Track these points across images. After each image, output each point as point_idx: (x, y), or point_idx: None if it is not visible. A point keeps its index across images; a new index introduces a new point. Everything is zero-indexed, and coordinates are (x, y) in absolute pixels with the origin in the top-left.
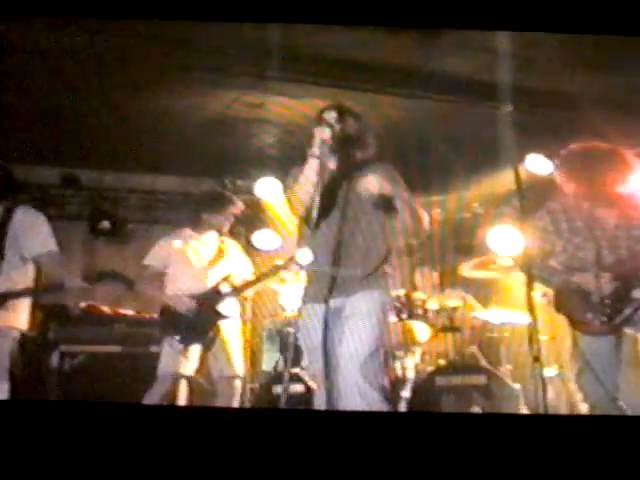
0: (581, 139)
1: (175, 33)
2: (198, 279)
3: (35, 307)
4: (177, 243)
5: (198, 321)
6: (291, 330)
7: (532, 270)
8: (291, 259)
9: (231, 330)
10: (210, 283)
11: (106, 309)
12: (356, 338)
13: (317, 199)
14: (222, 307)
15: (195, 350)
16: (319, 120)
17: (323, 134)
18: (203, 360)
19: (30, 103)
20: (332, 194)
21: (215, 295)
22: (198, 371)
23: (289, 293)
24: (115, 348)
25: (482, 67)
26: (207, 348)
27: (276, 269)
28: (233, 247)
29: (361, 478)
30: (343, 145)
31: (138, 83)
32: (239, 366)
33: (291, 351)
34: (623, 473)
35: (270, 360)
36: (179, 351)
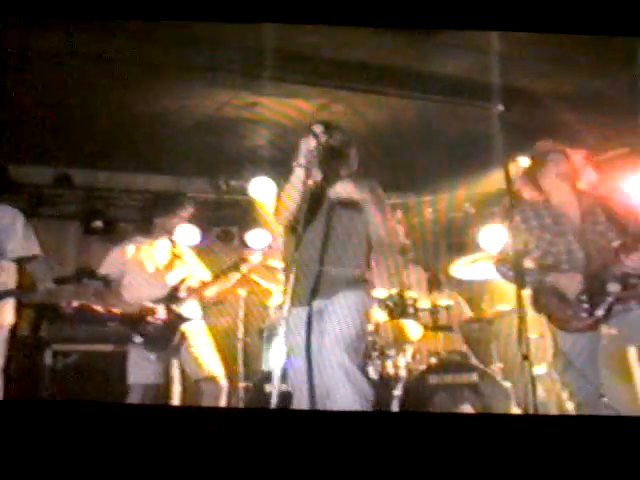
0: (568, 139)
1: (168, 34)
2: (155, 285)
3: (20, 305)
4: (130, 250)
5: (163, 326)
6: (281, 330)
7: (519, 269)
8: (244, 258)
9: (197, 332)
10: (166, 288)
11: (98, 308)
12: (338, 328)
13: (303, 208)
14: (183, 310)
15: (163, 356)
16: (306, 132)
17: (308, 144)
18: (172, 366)
19: (24, 103)
20: (317, 204)
21: (174, 299)
22: (169, 376)
23: (279, 293)
24: (108, 347)
25: (473, 67)
26: (175, 353)
27: (232, 268)
28: (186, 252)
29: (352, 478)
30: (328, 157)
31: (131, 83)
32: (214, 366)
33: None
34: (613, 472)
35: (268, 360)
36: (147, 359)
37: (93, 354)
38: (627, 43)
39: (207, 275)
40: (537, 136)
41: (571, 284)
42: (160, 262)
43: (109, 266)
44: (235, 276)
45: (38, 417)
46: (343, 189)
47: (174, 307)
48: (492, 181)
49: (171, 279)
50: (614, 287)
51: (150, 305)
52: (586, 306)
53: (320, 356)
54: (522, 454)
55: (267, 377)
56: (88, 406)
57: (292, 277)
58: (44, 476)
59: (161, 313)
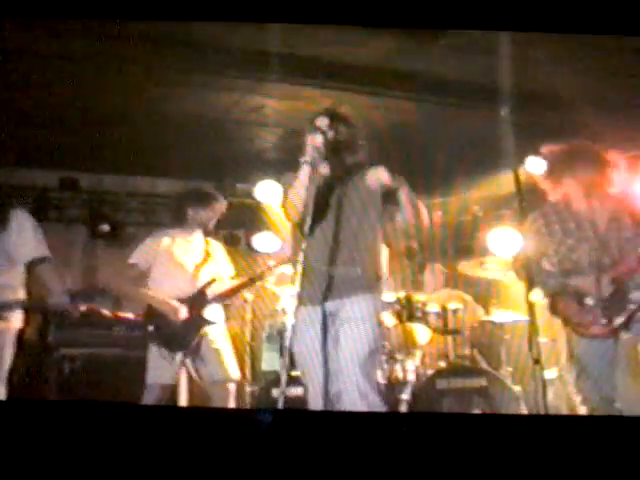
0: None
1: (175, 36)
2: (184, 281)
3: (29, 307)
4: (165, 242)
5: (184, 326)
6: (289, 333)
7: (531, 272)
8: (270, 268)
9: (218, 334)
10: (196, 286)
11: (106, 312)
12: (353, 342)
13: (311, 205)
14: (207, 313)
15: (181, 356)
16: (311, 126)
17: (315, 140)
18: (189, 366)
19: (29, 106)
20: (325, 200)
21: (201, 299)
22: (188, 377)
23: (289, 295)
24: (115, 351)
25: (482, 69)
26: (193, 354)
27: (260, 276)
28: (218, 249)
29: (358, 478)
30: (335, 151)
31: (138, 86)
32: (232, 369)
33: (289, 354)
34: (621, 473)
35: (269, 360)
36: (165, 358)
37: (100, 358)
38: (638, 43)
39: (232, 275)
40: (547, 139)
41: (593, 289)
42: (192, 258)
43: (141, 254)
44: (249, 286)
45: (40, 417)
46: (381, 176)
47: (199, 308)
48: (501, 184)
49: (201, 278)
50: (638, 295)
51: (174, 303)
52: (607, 312)
53: (335, 369)
54: (528, 454)
55: (274, 381)
56: (90, 406)
57: (300, 275)
58: (45, 476)
59: (183, 313)
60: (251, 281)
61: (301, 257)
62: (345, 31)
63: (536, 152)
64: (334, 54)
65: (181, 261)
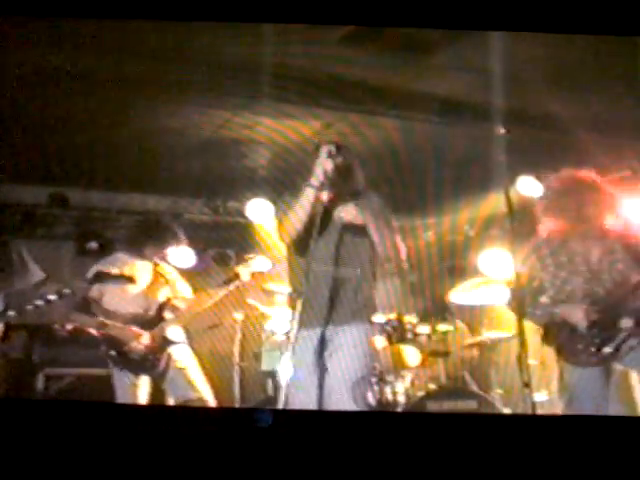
0: (570, 162)
1: (168, 52)
2: (138, 304)
3: (12, 326)
4: (116, 266)
5: (146, 350)
6: (282, 353)
7: (522, 303)
8: (229, 280)
9: (182, 353)
10: (151, 309)
11: (92, 331)
12: (345, 367)
13: (312, 230)
14: (169, 333)
15: (147, 379)
16: (319, 152)
17: (325, 166)
18: (157, 388)
19: (18, 121)
20: (326, 225)
21: (160, 321)
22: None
23: (279, 317)
24: (101, 370)
25: (475, 89)
26: (161, 376)
27: (220, 284)
28: (169, 270)
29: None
30: (339, 178)
31: (129, 103)
32: (202, 386)
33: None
34: (612, 473)
35: (269, 359)
36: (132, 382)
37: (86, 378)
38: (629, 65)
39: (190, 292)
40: (539, 159)
41: (583, 317)
42: (143, 281)
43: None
44: (222, 292)
45: (28, 417)
46: (346, 212)
47: (159, 330)
48: (493, 203)
49: (153, 300)
50: (627, 323)
51: (136, 330)
52: (597, 340)
53: (325, 393)
54: (520, 454)
55: (266, 399)
56: (88, 406)
57: (301, 300)
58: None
59: (146, 339)
60: (213, 294)
61: (303, 280)
62: (338, 49)
63: (532, 174)
64: (327, 73)
65: (132, 285)
